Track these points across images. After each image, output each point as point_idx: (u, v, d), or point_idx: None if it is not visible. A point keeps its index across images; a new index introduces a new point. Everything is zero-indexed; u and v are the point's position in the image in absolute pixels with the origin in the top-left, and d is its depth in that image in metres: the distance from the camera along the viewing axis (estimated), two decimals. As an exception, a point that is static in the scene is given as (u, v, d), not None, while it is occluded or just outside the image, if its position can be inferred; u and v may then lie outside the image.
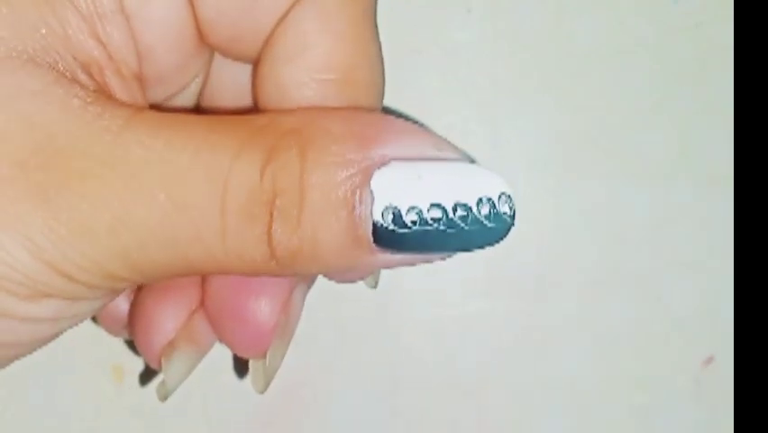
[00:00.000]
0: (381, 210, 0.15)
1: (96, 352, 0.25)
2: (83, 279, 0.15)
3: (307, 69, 0.17)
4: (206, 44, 0.18)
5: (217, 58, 0.19)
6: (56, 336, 0.17)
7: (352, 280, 0.20)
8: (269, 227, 0.15)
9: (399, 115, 0.22)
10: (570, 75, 0.25)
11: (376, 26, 0.17)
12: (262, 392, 0.19)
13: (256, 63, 0.18)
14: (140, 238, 0.15)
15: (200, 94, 0.20)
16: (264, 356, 0.19)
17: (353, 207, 0.15)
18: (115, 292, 0.16)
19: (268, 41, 0.17)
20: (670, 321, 0.25)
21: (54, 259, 0.15)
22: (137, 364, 0.25)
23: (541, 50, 0.24)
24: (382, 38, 0.17)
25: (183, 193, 0.15)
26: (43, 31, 0.15)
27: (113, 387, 0.25)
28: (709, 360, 0.25)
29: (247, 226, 0.15)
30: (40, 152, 0.14)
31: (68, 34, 0.16)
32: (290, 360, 0.23)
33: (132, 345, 0.25)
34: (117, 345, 0.25)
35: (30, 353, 0.17)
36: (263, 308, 0.18)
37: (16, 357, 0.17)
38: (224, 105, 0.20)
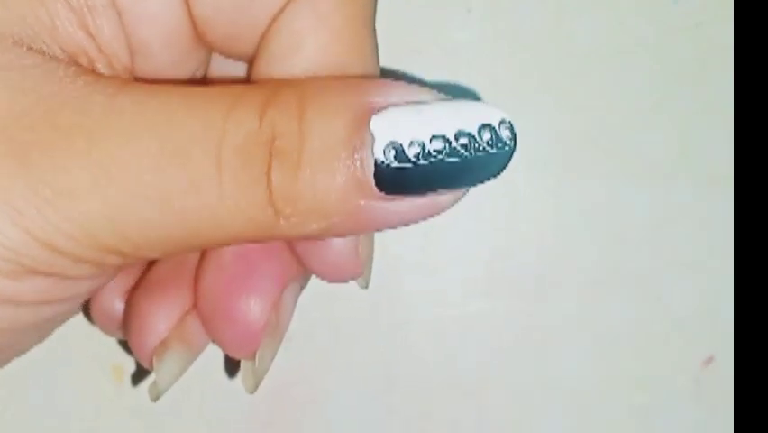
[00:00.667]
0: (383, 148, 0.15)
1: (96, 352, 0.25)
2: (69, 249, 0.14)
3: (302, 67, 0.17)
4: (203, 42, 0.18)
5: (215, 55, 0.19)
6: (40, 327, 0.16)
7: (344, 279, 0.20)
8: (269, 168, 0.14)
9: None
10: (570, 75, 0.25)
11: (373, 26, 0.17)
12: (252, 392, 0.19)
13: (252, 61, 0.18)
14: (128, 193, 0.14)
15: None
16: (254, 356, 0.19)
17: (354, 149, 0.15)
18: (104, 271, 0.16)
19: (263, 38, 0.17)
20: (670, 321, 0.25)
21: (37, 226, 0.14)
22: (137, 364, 0.25)
23: (541, 50, 0.24)
24: (382, 38, 0.17)
25: (177, 142, 0.14)
26: (30, 20, 0.15)
27: (113, 387, 0.25)
28: (709, 360, 0.25)
29: (244, 169, 0.14)
30: (27, 114, 0.14)
31: (55, 25, 0.15)
32: (289, 360, 0.23)
33: (131, 345, 0.25)
34: (117, 344, 0.25)
35: (17, 348, 0.16)
36: (253, 307, 0.18)
37: (2, 352, 0.16)
38: None
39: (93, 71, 0.15)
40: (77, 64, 0.16)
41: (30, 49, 0.15)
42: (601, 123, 0.25)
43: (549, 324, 0.25)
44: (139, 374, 0.25)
